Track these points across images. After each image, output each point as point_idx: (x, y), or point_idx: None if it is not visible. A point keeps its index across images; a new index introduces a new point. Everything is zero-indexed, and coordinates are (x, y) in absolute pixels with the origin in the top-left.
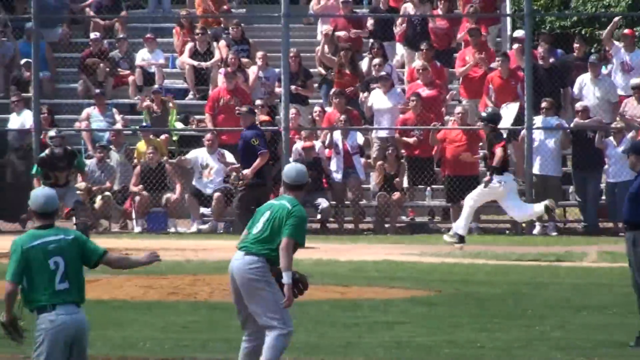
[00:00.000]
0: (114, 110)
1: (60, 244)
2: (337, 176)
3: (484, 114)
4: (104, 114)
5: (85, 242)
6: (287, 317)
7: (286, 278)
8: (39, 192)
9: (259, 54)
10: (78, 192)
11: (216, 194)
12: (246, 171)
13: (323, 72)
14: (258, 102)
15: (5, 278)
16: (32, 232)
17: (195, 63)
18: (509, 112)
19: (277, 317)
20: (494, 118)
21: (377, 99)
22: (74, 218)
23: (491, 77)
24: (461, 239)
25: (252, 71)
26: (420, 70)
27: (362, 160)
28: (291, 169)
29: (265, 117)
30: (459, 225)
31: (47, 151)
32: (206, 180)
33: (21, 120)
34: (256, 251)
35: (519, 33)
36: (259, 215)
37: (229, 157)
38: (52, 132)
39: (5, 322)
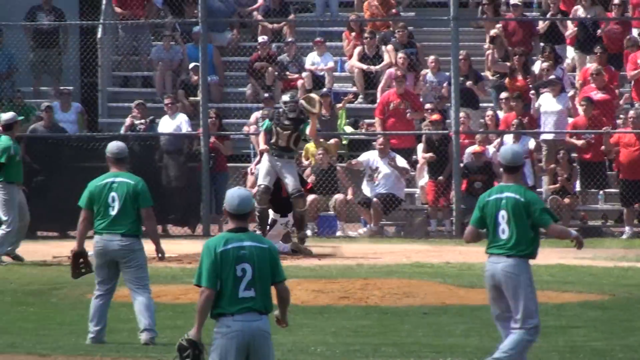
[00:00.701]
0: None
1: (252, 251)
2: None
3: None
4: None
5: (277, 259)
6: (537, 313)
7: (573, 232)
8: (234, 193)
9: (431, 58)
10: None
11: (375, 199)
12: None
13: (490, 77)
14: (428, 105)
15: (195, 283)
16: (224, 234)
17: (365, 67)
18: None
19: (534, 312)
20: None
21: (545, 102)
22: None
23: None
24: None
25: (423, 75)
26: (595, 75)
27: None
28: (507, 150)
29: (435, 117)
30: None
31: (280, 110)
32: (375, 184)
33: (176, 123)
34: (516, 254)
35: None
36: (491, 212)
37: (400, 162)
38: (286, 97)
39: (196, 340)
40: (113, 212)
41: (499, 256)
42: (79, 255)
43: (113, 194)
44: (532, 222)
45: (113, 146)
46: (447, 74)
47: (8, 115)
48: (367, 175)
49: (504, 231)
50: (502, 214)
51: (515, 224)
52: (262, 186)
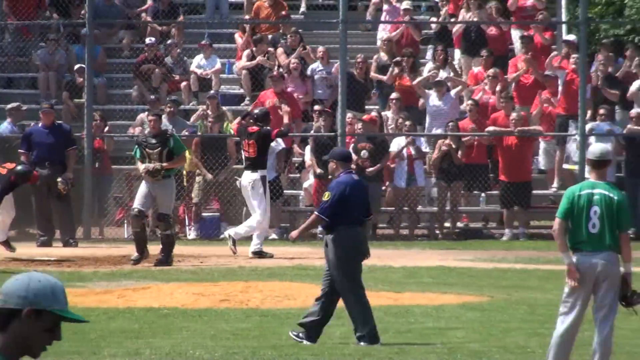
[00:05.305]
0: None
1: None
2: (401, 183)
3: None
4: None
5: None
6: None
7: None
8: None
9: (320, 48)
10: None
11: None
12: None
13: (379, 77)
14: (316, 107)
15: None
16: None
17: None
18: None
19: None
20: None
21: (432, 101)
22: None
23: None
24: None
25: (311, 68)
26: (490, 77)
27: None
28: (596, 146)
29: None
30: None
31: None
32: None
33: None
34: (611, 249)
35: (571, 37)
36: (582, 205)
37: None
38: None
39: None
40: None
41: (595, 252)
42: None
43: None
44: (618, 223)
45: None
46: (337, 63)
47: None
48: None
49: (596, 226)
50: (595, 209)
51: (607, 223)
52: (135, 210)
